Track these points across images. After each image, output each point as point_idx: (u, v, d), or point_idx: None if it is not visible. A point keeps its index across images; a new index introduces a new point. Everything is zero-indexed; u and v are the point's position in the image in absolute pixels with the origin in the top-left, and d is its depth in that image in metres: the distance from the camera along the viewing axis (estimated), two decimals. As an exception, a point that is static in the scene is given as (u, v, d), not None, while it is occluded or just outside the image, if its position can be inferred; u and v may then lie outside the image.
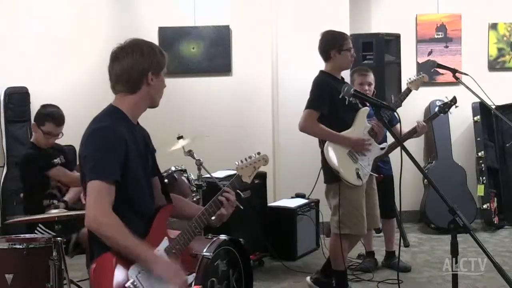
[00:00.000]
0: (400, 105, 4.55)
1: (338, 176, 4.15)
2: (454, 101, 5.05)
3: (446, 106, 5.09)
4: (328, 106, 4.19)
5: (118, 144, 2.43)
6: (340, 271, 4.40)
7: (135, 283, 2.41)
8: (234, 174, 2.88)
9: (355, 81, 4.95)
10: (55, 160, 4.21)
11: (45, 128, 4.12)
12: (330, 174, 4.23)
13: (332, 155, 4.17)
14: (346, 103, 4.15)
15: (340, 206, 4.22)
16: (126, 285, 2.39)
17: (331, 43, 4.27)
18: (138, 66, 2.54)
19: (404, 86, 6.14)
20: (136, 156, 2.51)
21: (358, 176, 4.15)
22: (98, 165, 2.39)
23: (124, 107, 2.55)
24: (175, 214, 2.80)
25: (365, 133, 4.25)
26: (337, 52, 4.24)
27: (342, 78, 4.38)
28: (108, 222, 2.36)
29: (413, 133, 5.07)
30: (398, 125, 4.54)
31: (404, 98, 4.61)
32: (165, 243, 2.59)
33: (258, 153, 2.95)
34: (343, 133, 4.21)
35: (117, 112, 2.54)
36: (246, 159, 2.89)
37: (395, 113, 4.34)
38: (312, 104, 4.22)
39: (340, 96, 4.03)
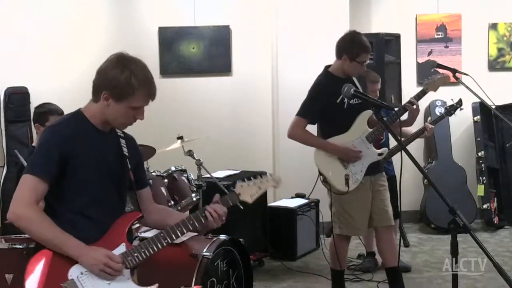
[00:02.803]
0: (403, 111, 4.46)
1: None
2: (460, 103, 5.07)
3: (452, 109, 5.11)
4: (321, 113, 4.13)
5: (55, 144, 2.42)
6: (335, 271, 4.39)
7: (73, 283, 2.34)
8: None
9: (366, 88, 4.82)
10: None
11: (49, 122, 4.11)
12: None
13: (321, 159, 4.15)
14: (345, 106, 4.07)
15: (332, 206, 4.22)
16: (62, 284, 2.33)
17: (348, 47, 4.08)
18: (100, 78, 2.50)
19: (404, 87, 6.17)
20: (91, 161, 2.48)
21: (347, 182, 4.07)
22: (32, 160, 2.45)
23: (87, 112, 2.55)
24: (158, 225, 2.73)
25: (362, 138, 4.12)
26: (348, 58, 4.07)
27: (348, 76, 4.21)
28: (25, 214, 2.35)
29: (420, 134, 5.09)
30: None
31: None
32: (121, 248, 2.50)
33: (270, 174, 2.81)
34: (335, 138, 4.13)
35: (78, 116, 2.54)
36: (251, 178, 2.73)
37: (393, 112, 4.32)
38: (301, 111, 4.18)
39: (339, 100, 4.04)
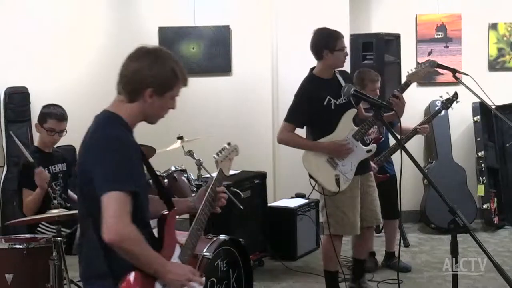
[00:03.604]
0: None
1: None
2: (455, 96, 5.09)
3: (449, 102, 5.13)
4: (309, 117, 4.17)
5: (133, 153, 2.32)
6: (330, 272, 4.38)
7: None
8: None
9: (367, 87, 4.86)
10: (56, 167, 4.19)
11: (47, 125, 4.12)
12: None
13: (310, 163, 4.18)
14: (333, 107, 4.10)
15: (325, 207, 4.24)
16: None
17: (323, 43, 4.13)
18: (140, 76, 2.36)
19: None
20: (140, 165, 2.43)
21: (338, 182, 4.09)
22: (116, 175, 2.23)
23: (123, 114, 2.39)
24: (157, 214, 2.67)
25: (349, 137, 4.12)
26: (329, 52, 4.11)
27: (334, 73, 4.23)
28: (131, 235, 2.21)
29: (414, 134, 5.13)
30: (398, 125, 4.53)
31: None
32: (177, 251, 2.50)
33: (229, 144, 2.94)
34: (322, 139, 4.14)
35: (120, 120, 2.38)
36: (221, 152, 2.87)
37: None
38: (287, 117, 4.24)
39: (326, 101, 4.07)
